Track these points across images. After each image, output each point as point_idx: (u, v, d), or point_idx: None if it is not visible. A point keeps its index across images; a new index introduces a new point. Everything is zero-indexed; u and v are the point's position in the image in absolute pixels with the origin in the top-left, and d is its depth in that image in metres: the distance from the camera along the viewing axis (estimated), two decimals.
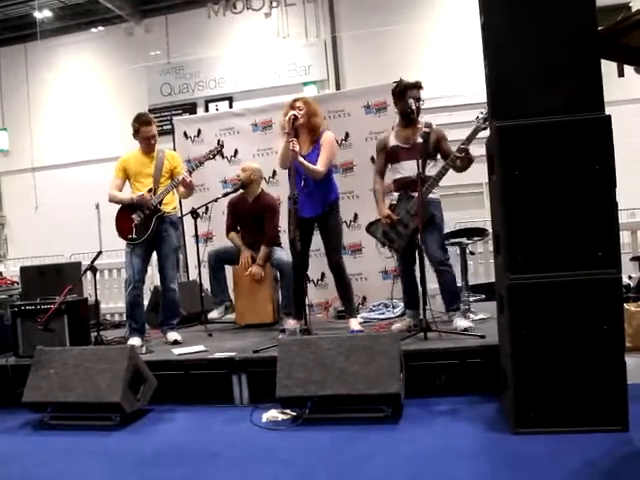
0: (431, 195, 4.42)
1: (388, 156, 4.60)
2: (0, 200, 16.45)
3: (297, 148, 4.43)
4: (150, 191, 4.83)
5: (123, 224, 4.89)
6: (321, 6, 13.60)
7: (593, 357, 2.90)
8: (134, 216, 4.83)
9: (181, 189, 4.92)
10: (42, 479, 3.03)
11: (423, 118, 4.53)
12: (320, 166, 4.54)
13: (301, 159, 4.48)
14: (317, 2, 13.24)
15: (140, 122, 4.89)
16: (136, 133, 4.92)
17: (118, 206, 4.95)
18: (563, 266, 2.93)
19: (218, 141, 5.25)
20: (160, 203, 4.83)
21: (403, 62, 11.76)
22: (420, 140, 4.38)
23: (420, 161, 4.25)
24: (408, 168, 4.41)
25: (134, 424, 3.69)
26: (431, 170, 4.43)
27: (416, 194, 4.28)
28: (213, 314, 5.67)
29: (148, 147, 4.93)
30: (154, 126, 4.94)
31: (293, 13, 13.63)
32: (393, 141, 4.57)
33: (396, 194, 4.58)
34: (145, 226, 4.81)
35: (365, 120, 6.21)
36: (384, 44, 12.74)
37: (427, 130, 4.37)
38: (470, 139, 4.24)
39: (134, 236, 4.84)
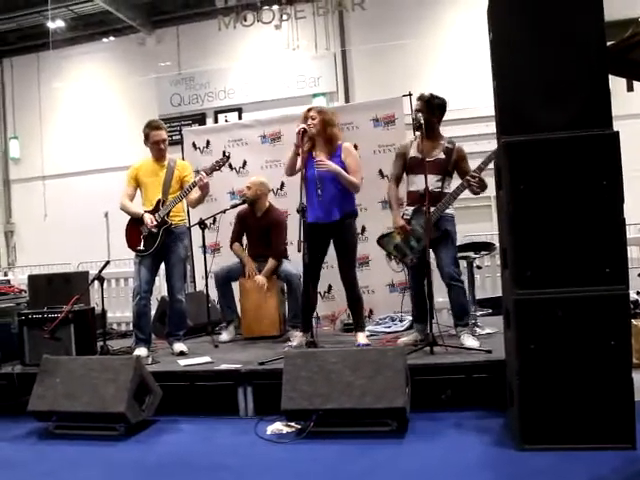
0: (446, 210, 4.40)
1: (407, 165, 4.54)
2: (10, 208, 16.56)
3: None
4: (159, 202, 4.84)
5: (132, 235, 4.91)
6: (331, 19, 13.67)
7: (600, 373, 2.88)
8: (143, 228, 4.84)
9: (193, 195, 4.86)
10: None
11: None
12: (357, 179, 4.55)
13: (341, 170, 4.48)
14: (327, 15, 13.30)
15: (150, 127, 4.91)
16: (146, 139, 4.92)
17: (128, 215, 4.95)
18: (570, 282, 2.92)
19: (224, 152, 5.24)
20: (168, 215, 4.83)
21: (413, 76, 11.79)
22: (442, 156, 4.39)
23: (439, 177, 4.23)
24: (424, 182, 4.29)
25: (139, 435, 3.69)
26: (446, 188, 4.42)
27: (432, 209, 4.27)
28: (223, 337, 5.54)
29: (159, 153, 4.93)
30: (164, 131, 4.95)
31: (303, 26, 13.69)
32: (414, 152, 4.48)
33: (410, 208, 4.52)
34: (153, 238, 4.82)
35: (373, 133, 6.23)
36: (394, 58, 12.79)
37: (450, 146, 4.37)
38: (484, 165, 4.23)
39: (142, 247, 4.85)
